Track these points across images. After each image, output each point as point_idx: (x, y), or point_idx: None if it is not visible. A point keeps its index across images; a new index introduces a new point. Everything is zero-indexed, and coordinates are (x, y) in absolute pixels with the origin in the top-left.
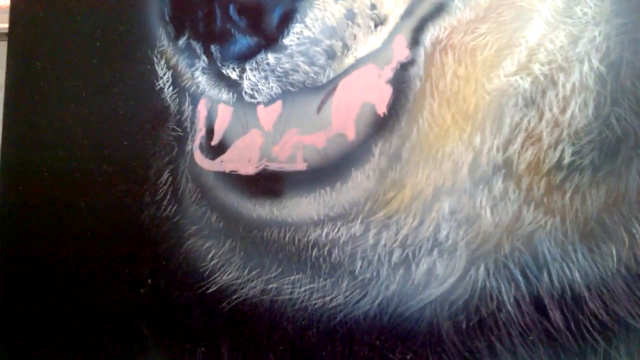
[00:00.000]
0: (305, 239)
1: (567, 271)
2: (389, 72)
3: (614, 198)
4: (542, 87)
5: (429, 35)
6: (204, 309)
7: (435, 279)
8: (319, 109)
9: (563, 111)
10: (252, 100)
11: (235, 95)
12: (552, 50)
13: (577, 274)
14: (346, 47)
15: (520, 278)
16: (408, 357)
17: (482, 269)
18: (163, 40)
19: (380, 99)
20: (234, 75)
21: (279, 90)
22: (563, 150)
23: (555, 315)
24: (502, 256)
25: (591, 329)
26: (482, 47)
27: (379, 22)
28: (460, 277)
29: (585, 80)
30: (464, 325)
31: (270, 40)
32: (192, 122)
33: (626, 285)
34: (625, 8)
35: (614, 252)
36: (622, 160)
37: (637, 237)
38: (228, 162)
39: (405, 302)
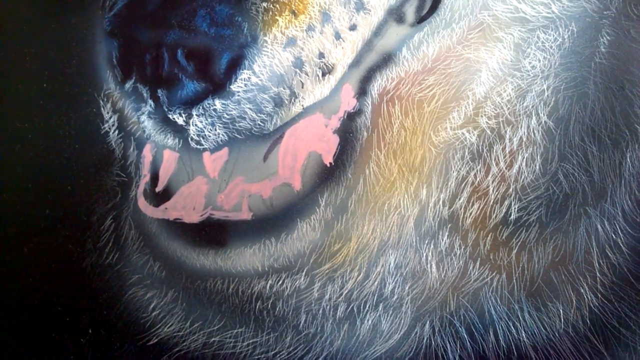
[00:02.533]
0: (249, 290)
1: (514, 330)
2: (336, 122)
3: (561, 256)
4: (489, 141)
5: (377, 86)
6: None
7: (380, 336)
8: (265, 157)
9: (510, 166)
10: (198, 147)
11: (182, 141)
12: (500, 104)
13: (523, 334)
14: (294, 95)
15: (465, 336)
16: None
17: (427, 326)
18: (110, 83)
19: (327, 149)
20: (180, 120)
21: (226, 137)
22: (509, 206)
23: None
24: (447, 313)
25: None
26: (429, 99)
27: (327, 70)
28: (406, 334)
29: (533, 135)
30: None
31: (217, 86)
32: (137, 168)
33: (573, 346)
34: (575, 62)
35: (561, 311)
36: (570, 217)
37: (585, 296)
38: (172, 210)
39: (352, 356)
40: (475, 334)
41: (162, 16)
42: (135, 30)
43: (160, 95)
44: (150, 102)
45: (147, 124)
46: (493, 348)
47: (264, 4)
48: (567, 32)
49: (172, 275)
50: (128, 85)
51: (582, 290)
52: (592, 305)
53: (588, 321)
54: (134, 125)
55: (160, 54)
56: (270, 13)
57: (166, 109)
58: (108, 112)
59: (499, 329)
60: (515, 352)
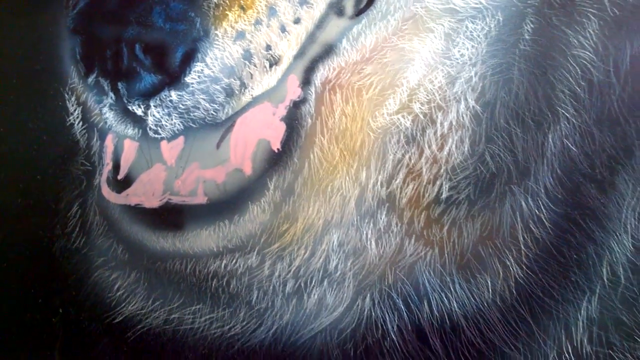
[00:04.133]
0: (205, 270)
1: (446, 301)
2: (282, 110)
3: (488, 231)
4: (422, 125)
5: (319, 75)
6: (111, 339)
7: (326, 309)
8: (218, 145)
9: (441, 148)
10: (156, 136)
11: (141, 130)
12: (431, 90)
13: (455, 304)
14: (244, 86)
15: (402, 307)
16: None
17: (368, 298)
18: (74, 77)
19: (275, 136)
20: (139, 111)
21: (181, 126)
22: (441, 186)
23: (435, 343)
24: (386, 286)
25: (469, 356)
26: (367, 87)
27: (274, 62)
28: (348, 307)
29: (462, 119)
30: (352, 353)
31: (173, 78)
32: (100, 157)
33: (501, 315)
34: (500, 49)
35: (489, 283)
36: (496, 195)
37: (511, 268)
38: (133, 196)
39: (298, 331)
40: (411, 305)
41: (121, 13)
42: (96, 27)
43: (120, 88)
44: (111, 94)
45: (109, 116)
46: (427, 318)
47: (216, 12)
48: (494, 21)
49: (134, 257)
50: (90, 79)
51: (508, 263)
52: (517, 277)
53: (514, 291)
54: (97, 116)
55: (119, 49)
56: (221, 8)
57: (126, 101)
58: (73, 105)
59: (433, 300)
60: (447, 321)
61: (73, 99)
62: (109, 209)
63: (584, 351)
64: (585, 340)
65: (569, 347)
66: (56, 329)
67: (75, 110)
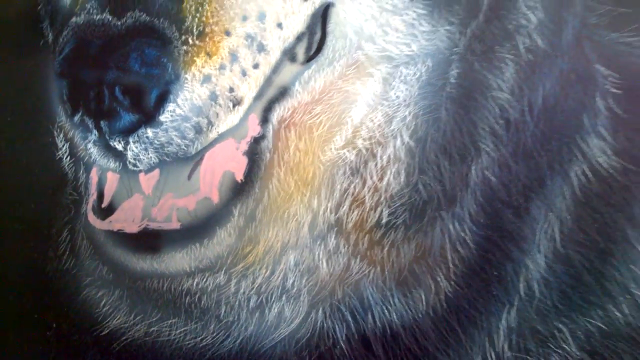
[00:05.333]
0: (180, 288)
1: (387, 313)
2: (244, 145)
3: (422, 251)
4: (364, 158)
5: (276, 115)
6: (99, 349)
7: (284, 321)
8: (189, 176)
9: (381, 179)
10: (135, 169)
11: (121, 164)
12: (372, 128)
13: (394, 315)
14: (210, 124)
15: (350, 319)
16: None
17: (320, 311)
18: (62, 116)
19: (238, 168)
20: (119, 147)
21: (157, 160)
22: (381, 212)
23: (378, 349)
24: (335, 301)
25: None
26: (317, 125)
27: (236, 102)
28: (304, 319)
29: (398, 153)
30: (306, 358)
31: (149, 117)
32: (86, 188)
33: (434, 324)
34: (430, 92)
35: (423, 296)
36: (428, 220)
37: (441, 284)
38: (115, 222)
39: (261, 341)
40: (357, 316)
41: (102, 59)
42: (80, 71)
43: (102, 126)
44: (95, 131)
45: (93, 151)
46: (371, 328)
47: (184, 47)
48: (424, 67)
49: (118, 277)
50: (76, 118)
51: (438, 279)
52: (447, 291)
53: (444, 304)
54: (83, 151)
55: (101, 91)
56: (190, 55)
57: (108, 138)
58: (61, 141)
59: (375, 312)
60: (388, 330)
61: (61, 135)
62: (94, 234)
63: (505, 357)
64: (506, 347)
65: (492, 353)
66: (50, 342)
67: (63, 146)
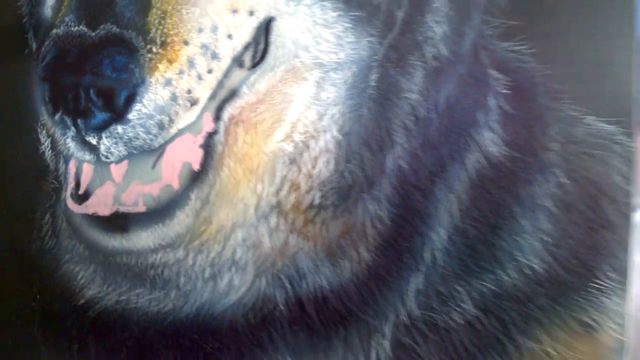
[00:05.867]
0: (145, 262)
1: (318, 280)
2: (200, 139)
3: (347, 227)
4: (300, 150)
5: (227, 113)
6: (77, 316)
7: (233, 289)
8: (153, 166)
9: (314, 167)
10: (107, 160)
11: (95, 156)
12: (307, 124)
13: (324, 282)
14: (171, 121)
15: (288, 285)
16: (216, 346)
17: (263, 280)
18: (44, 115)
19: (195, 159)
20: (94, 141)
21: (126, 152)
22: (314, 195)
23: (311, 310)
24: (276, 270)
25: (333, 319)
26: (261, 122)
27: (193, 102)
28: (250, 287)
29: (328, 145)
30: (252, 321)
31: (119, 115)
32: (65, 177)
33: (357, 289)
34: (355, 93)
35: (348, 266)
36: (352, 201)
37: (363, 255)
38: (90, 206)
39: (214, 306)
40: (294, 283)
41: (79, 65)
42: (60, 76)
43: (79, 123)
44: (73, 128)
45: (71, 145)
46: (305, 292)
47: (149, 55)
48: (350, 72)
49: (92, 254)
50: (57, 116)
51: (360, 250)
52: (367, 261)
53: (365, 272)
54: (62, 146)
55: (78, 93)
56: (154, 61)
57: (84, 134)
58: (44, 137)
59: (309, 279)
60: (319, 294)
61: (44, 132)
62: (73, 217)
63: (414, 314)
64: (415, 306)
65: (404, 311)
66: (35, 310)
67: (45, 141)
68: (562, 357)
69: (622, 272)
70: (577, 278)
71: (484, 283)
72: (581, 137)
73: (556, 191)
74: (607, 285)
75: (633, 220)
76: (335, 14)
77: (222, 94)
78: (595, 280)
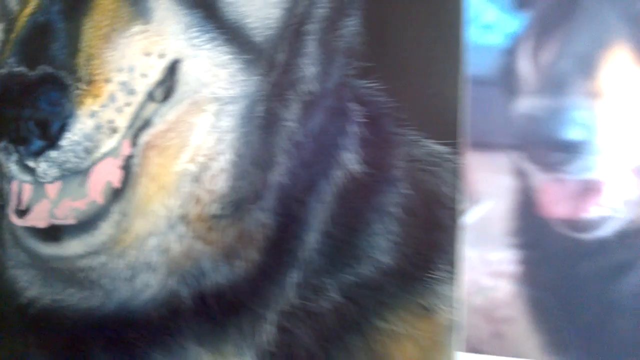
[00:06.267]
0: (76, 266)
1: (217, 277)
2: (120, 162)
3: (240, 233)
4: (202, 169)
5: (142, 139)
6: (20, 313)
7: (149, 287)
8: (81, 185)
9: (214, 184)
10: (43, 180)
11: (34, 178)
12: (207, 148)
13: (222, 279)
14: (96, 147)
15: (193, 283)
16: (135, 335)
17: (173, 279)
18: None
19: (116, 178)
20: (32, 165)
21: (59, 174)
22: (214, 207)
23: (211, 303)
24: (184, 271)
25: (230, 310)
26: (170, 147)
27: (114, 131)
28: (161, 285)
29: (225, 165)
30: (164, 314)
31: (53, 142)
32: (9, 195)
33: (248, 284)
34: (246, 122)
35: (241, 265)
36: (244, 211)
37: (252, 255)
38: (30, 220)
39: (133, 302)
40: (198, 281)
41: (20, 100)
42: (4, 109)
43: (20, 150)
44: (15, 154)
45: (13, 168)
46: (207, 288)
47: (78, 91)
48: (241, 105)
49: (32, 260)
50: (2, 144)
51: (250, 252)
52: (256, 261)
53: (255, 269)
54: (6, 169)
55: (19, 124)
56: (82, 97)
57: (24, 159)
58: None
59: (210, 277)
60: (218, 289)
61: None
62: (15, 229)
63: (293, 303)
64: (294, 296)
65: (285, 301)
66: None
67: None
68: (407, 334)
69: (453, 265)
70: (418, 270)
71: (347, 276)
72: (420, 156)
73: (401, 200)
74: (441, 275)
75: (460, 223)
76: (229, 56)
77: (138, 123)
78: (432, 271)
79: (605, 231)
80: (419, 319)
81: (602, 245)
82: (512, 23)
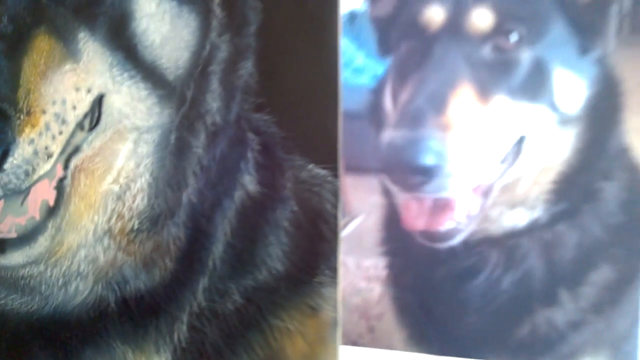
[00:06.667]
0: (17, 274)
1: (138, 284)
2: (54, 183)
3: (158, 245)
4: (124, 190)
5: (73, 163)
6: None
7: (79, 293)
8: (22, 203)
9: (134, 202)
10: None
11: None
12: (128, 171)
13: (142, 285)
14: (34, 170)
15: (117, 289)
16: (68, 335)
17: (100, 285)
18: None
19: (51, 197)
20: None
21: (2, 193)
22: (134, 222)
23: (133, 307)
24: (109, 278)
25: (149, 313)
26: (97, 169)
27: (49, 156)
28: (90, 291)
29: (143, 186)
30: (92, 316)
31: None
32: None
33: (164, 289)
34: (161, 149)
35: (158, 273)
36: (160, 226)
37: (168, 264)
38: None
39: (66, 306)
40: (121, 287)
41: None
42: None
43: None
44: None
45: None
46: (129, 293)
47: (18, 121)
48: (157, 134)
49: None
50: None
51: (167, 261)
52: (171, 269)
53: (169, 276)
54: None
55: None
56: (21, 126)
57: None
58: None
59: (132, 284)
60: (139, 294)
61: None
62: None
63: (202, 305)
64: (202, 299)
65: (195, 303)
66: None
67: None
68: (297, 330)
69: (334, 270)
70: (305, 275)
71: (247, 281)
72: (305, 179)
73: (290, 215)
74: (324, 279)
75: (339, 234)
76: (146, 92)
77: (69, 149)
78: (317, 276)
79: (455, 241)
80: (307, 317)
81: (453, 253)
82: (377, 67)
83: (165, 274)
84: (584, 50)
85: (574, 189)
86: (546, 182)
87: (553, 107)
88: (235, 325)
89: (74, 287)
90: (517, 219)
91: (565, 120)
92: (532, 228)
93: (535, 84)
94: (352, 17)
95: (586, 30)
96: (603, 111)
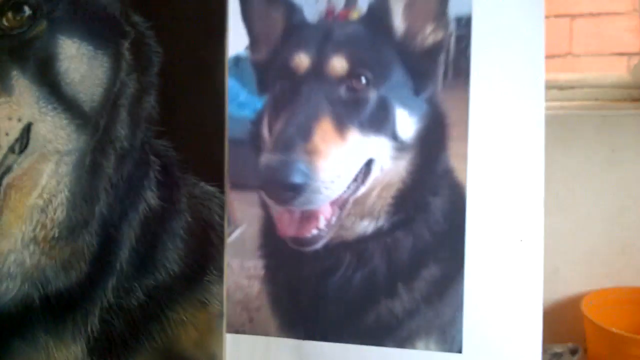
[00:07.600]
0: None
1: (58, 283)
2: None
3: (74, 250)
4: (47, 203)
5: (5, 181)
6: None
7: (9, 291)
8: None
9: (55, 214)
10: None
11: None
12: (51, 187)
13: (61, 285)
14: None
15: (41, 288)
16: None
17: (27, 285)
18: None
19: None
20: None
21: None
22: (55, 231)
23: (54, 303)
24: (34, 278)
25: (68, 307)
26: (25, 186)
27: None
28: (19, 289)
29: (63, 200)
30: (21, 310)
31: None
32: None
33: (80, 288)
34: (78, 169)
35: (75, 274)
36: (76, 234)
37: (82, 266)
38: None
39: (1, 299)
40: (44, 286)
41: None
42: None
43: None
44: None
45: None
46: (50, 291)
47: None
48: (75, 156)
49: None
50: None
51: (81, 264)
52: (85, 271)
53: (84, 277)
54: None
55: None
56: None
57: None
58: None
59: (53, 283)
60: (59, 292)
61: None
62: None
63: (111, 301)
64: (111, 296)
65: (105, 299)
66: None
67: None
68: (190, 321)
69: (221, 271)
70: (197, 274)
71: (148, 280)
72: (198, 194)
73: (185, 225)
74: (212, 278)
75: (226, 241)
76: (66, 121)
77: (2, 169)
78: (207, 275)
79: (318, 245)
80: (198, 310)
81: (317, 255)
82: (257, 102)
83: (81, 275)
84: (417, 91)
85: (409, 202)
86: (388, 197)
87: (394, 136)
88: (139, 318)
89: (4, 286)
90: (366, 227)
91: (402, 147)
92: (377, 234)
93: (380, 118)
94: (237, 60)
95: (419, 75)
96: (432, 140)
